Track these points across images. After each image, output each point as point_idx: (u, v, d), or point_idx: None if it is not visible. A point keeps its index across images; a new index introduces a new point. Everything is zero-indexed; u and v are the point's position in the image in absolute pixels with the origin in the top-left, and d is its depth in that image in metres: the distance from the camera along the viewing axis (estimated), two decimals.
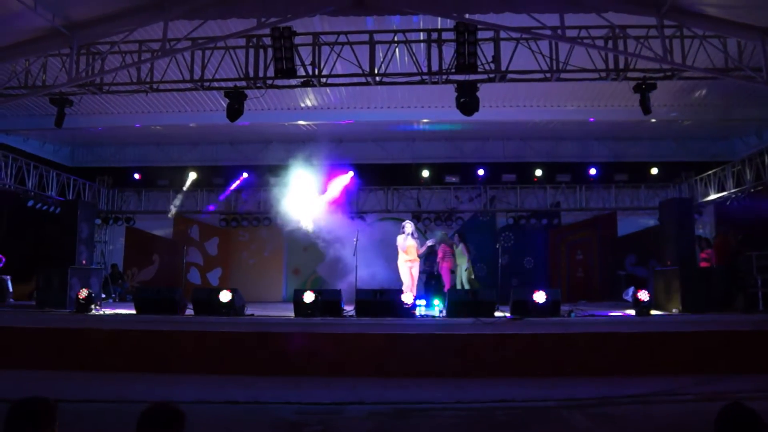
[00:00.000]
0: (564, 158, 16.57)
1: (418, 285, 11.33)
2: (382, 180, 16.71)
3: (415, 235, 10.86)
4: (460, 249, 12.99)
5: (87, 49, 10.08)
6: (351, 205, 16.10)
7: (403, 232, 10.73)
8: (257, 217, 17.34)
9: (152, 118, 14.01)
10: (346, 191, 15.73)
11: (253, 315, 9.43)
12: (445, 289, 12.45)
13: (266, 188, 16.51)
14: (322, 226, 14.05)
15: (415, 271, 10.91)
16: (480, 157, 16.66)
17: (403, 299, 8.97)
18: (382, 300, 9.14)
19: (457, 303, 9.21)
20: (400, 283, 10.84)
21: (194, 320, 9.01)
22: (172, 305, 9.50)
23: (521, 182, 16.81)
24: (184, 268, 13.85)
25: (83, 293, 9.95)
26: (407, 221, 11.08)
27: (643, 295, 9.18)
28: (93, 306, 10.02)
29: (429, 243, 11.80)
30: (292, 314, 9.26)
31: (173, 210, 17.06)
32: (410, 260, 10.73)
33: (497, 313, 9.04)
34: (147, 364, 7.95)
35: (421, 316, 9.42)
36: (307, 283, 16.58)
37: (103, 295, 12.80)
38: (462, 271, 12.98)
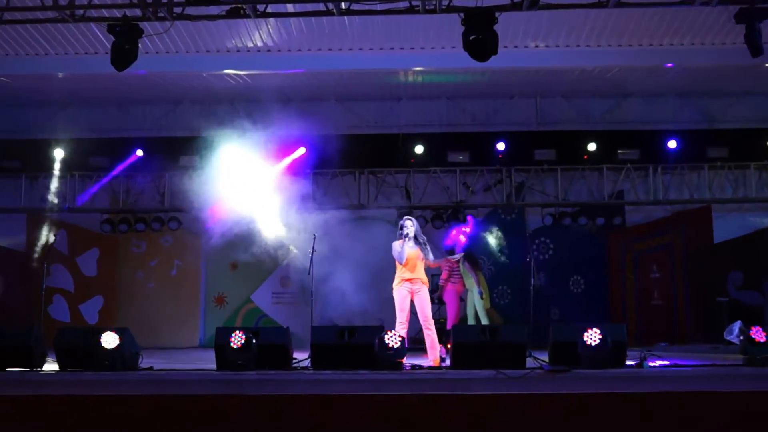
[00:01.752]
0: (629, 125, 16.78)
1: None
2: (352, 159, 16.58)
3: (421, 239, 10.32)
4: (464, 268, 12.87)
5: None
6: (305, 196, 15.95)
7: (402, 235, 10.25)
8: (159, 216, 17.25)
9: None
10: (298, 175, 15.62)
11: (151, 368, 9.31)
12: (448, 325, 12.38)
13: (174, 172, 16.40)
14: (260, 230, 13.90)
15: (425, 297, 10.27)
16: (500, 125, 16.84)
17: (386, 341, 8.81)
18: (353, 343, 9.00)
19: (468, 346, 9.10)
20: (391, 316, 10.47)
21: (59, 378, 8.87)
22: (23, 355, 9.33)
23: (563, 162, 16.81)
24: (44, 297, 13.61)
25: None
26: (408, 218, 10.52)
27: (757, 334, 9.17)
28: None
29: (455, 258, 11.82)
30: (213, 366, 9.13)
31: (53, 200, 16.77)
32: (409, 280, 10.27)
33: (529, 362, 8.99)
34: None
35: (413, 366, 9.34)
36: (238, 317, 16.56)
37: None
38: (474, 297, 12.92)
